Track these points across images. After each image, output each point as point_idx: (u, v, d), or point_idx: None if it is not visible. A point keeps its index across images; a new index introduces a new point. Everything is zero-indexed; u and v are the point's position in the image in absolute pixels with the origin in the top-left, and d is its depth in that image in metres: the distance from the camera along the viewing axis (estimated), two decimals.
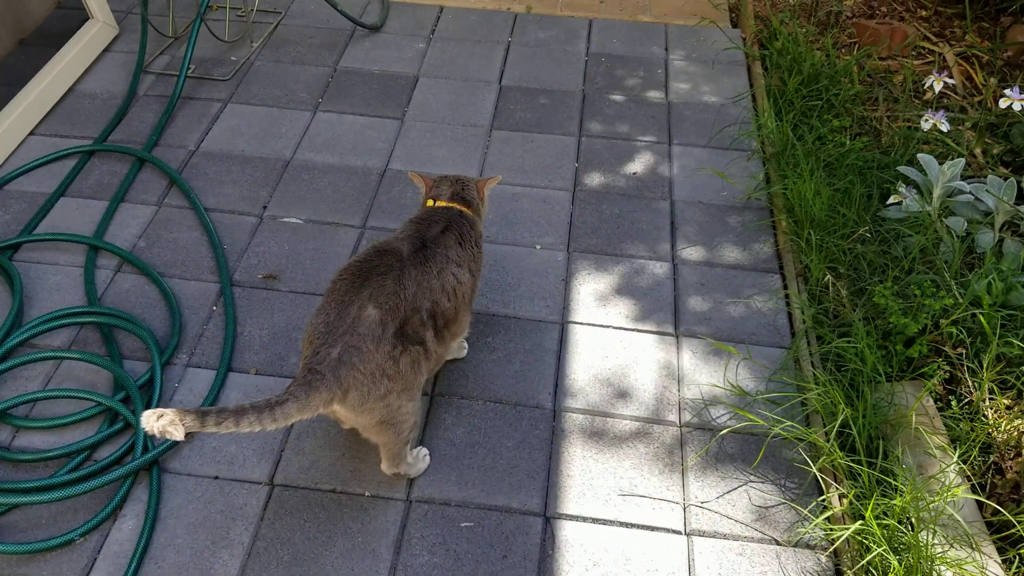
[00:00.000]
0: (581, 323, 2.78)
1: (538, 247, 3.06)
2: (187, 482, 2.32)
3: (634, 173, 3.38)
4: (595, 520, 2.27)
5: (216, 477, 2.34)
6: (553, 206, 3.22)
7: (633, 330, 2.76)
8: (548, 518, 2.27)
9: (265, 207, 3.18)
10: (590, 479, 2.36)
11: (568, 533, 2.24)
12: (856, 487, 2.22)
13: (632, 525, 2.26)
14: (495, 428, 2.47)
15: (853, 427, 2.31)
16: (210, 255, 2.97)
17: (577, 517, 2.27)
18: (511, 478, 2.35)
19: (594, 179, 3.35)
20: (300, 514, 2.25)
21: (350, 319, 1.99)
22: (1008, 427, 2.35)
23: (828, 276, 2.79)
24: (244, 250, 2.99)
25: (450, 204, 2.41)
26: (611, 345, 2.71)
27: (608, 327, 2.77)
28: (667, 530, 2.25)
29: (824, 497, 2.30)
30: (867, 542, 2.09)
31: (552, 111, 3.70)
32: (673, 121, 3.66)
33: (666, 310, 2.83)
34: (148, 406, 2.45)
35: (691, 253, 3.04)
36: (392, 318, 2.03)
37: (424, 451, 2.37)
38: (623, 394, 2.57)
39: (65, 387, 2.53)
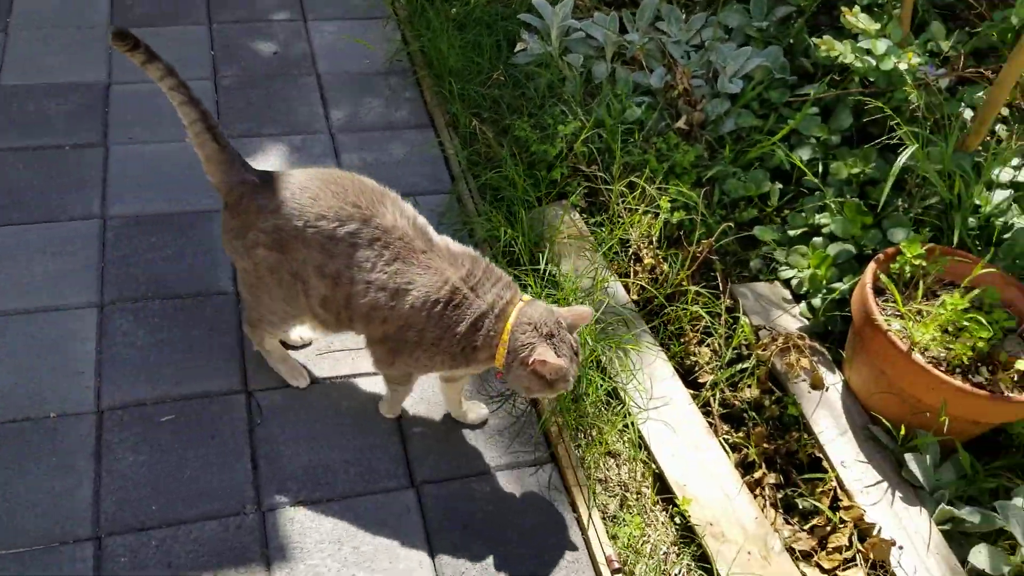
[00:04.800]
0: None
1: (186, 140, 2.93)
2: None
3: (275, 53, 3.33)
4: None
5: None
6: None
7: None
8: (251, 392, 2.29)
9: None
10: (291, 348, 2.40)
11: (275, 400, 2.28)
12: (531, 290, 2.47)
13: (337, 377, 2.35)
14: (179, 323, 2.41)
15: (516, 245, 2.55)
16: None
17: (280, 386, 2.31)
18: (206, 365, 2.33)
19: (235, 64, 3.25)
20: None
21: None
22: (639, 221, 2.72)
23: (474, 121, 2.98)
24: None
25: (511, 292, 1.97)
26: None
27: None
28: (369, 374, 2.37)
29: None
30: None
31: (175, 1, 3.51)
32: None
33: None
34: None
35: (346, 121, 3.09)
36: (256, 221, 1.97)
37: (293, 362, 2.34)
38: None
39: None
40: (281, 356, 2.31)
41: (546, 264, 2.51)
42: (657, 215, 2.70)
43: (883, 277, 2.32)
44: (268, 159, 2.90)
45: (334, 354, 2.40)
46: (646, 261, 2.67)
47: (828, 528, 2.18)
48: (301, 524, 2.05)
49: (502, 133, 3.00)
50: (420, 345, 1.95)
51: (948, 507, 2.14)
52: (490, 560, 2.04)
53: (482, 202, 2.77)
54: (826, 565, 2.13)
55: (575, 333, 1.95)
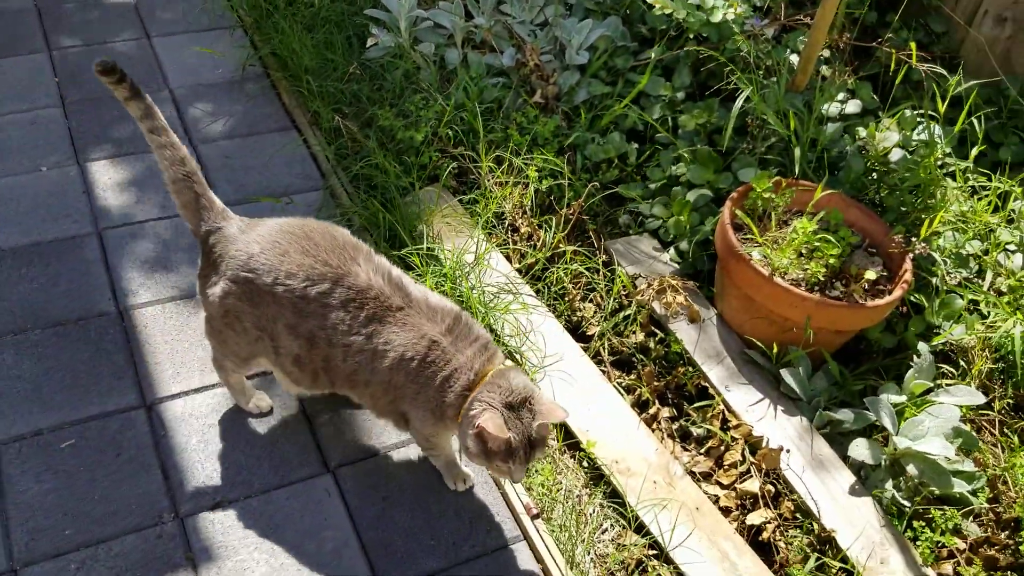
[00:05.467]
0: (117, 225, 2.70)
1: (44, 168, 2.87)
2: None
3: None
4: (197, 390, 2.32)
5: None
6: (46, 126, 3.01)
7: (169, 217, 2.75)
8: (150, 405, 2.27)
9: None
10: (180, 358, 2.38)
11: (176, 410, 2.27)
12: (416, 270, 2.54)
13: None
14: (64, 348, 2.36)
15: (397, 228, 2.62)
16: None
17: (179, 394, 2.30)
18: (98, 386, 2.29)
19: (81, 88, 3.17)
20: None
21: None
22: (511, 193, 2.83)
23: (336, 117, 3.02)
24: None
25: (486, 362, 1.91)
26: (157, 235, 2.69)
27: (147, 220, 2.73)
28: (264, 374, 2.38)
29: None
30: None
31: (7, 32, 3.38)
32: (144, 15, 3.56)
33: None
34: None
35: (208, 132, 3.07)
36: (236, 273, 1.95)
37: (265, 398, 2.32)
38: (180, 274, 2.60)
39: None
40: (241, 388, 2.27)
41: (428, 244, 2.58)
42: (527, 185, 2.82)
43: (739, 213, 2.51)
44: (131, 176, 2.86)
45: None
46: (523, 230, 2.79)
47: (722, 448, 2.35)
48: (222, 524, 2.06)
49: (366, 125, 3.06)
50: (405, 400, 1.94)
51: (825, 412, 2.35)
52: (414, 527, 2.11)
53: (356, 193, 2.83)
54: (725, 481, 2.30)
55: (539, 423, 1.82)
